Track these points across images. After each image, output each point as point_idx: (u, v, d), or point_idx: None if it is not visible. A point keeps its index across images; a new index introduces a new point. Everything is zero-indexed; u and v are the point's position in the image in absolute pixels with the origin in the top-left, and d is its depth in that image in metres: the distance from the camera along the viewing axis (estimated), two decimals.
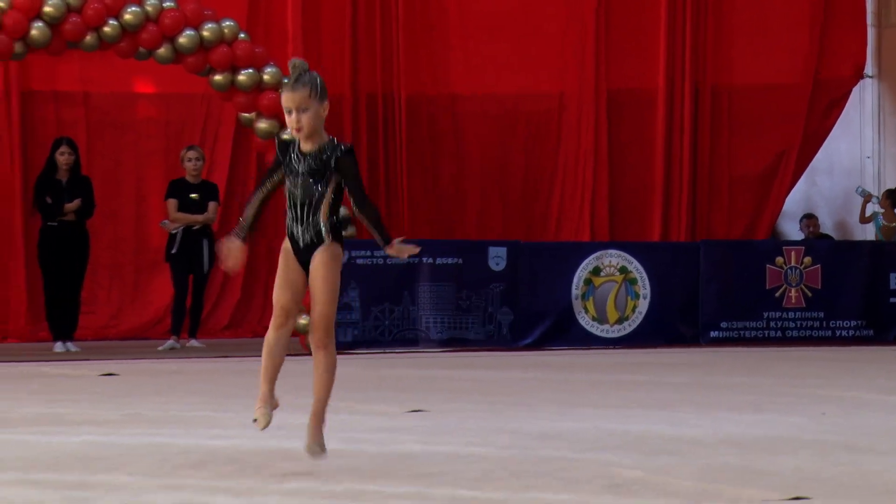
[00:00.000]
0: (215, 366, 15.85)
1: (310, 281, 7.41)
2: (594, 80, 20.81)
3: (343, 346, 17.06)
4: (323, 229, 7.35)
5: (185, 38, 16.94)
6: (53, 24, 16.42)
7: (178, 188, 18.00)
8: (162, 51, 17.02)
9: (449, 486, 7.33)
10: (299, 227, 7.37)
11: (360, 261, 17.35)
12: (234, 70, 17.20)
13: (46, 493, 7.19)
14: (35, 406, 11.55)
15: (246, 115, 17.60)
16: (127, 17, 16.67)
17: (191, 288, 18.07)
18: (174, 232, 17.85)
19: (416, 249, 7.53)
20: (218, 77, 17.25)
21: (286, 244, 7.47)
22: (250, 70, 17.23)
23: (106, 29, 16.63)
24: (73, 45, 16.77)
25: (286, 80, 7.48)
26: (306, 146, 7.40)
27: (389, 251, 7.50)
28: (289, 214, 7.43)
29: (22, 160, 19.08)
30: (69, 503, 6.90)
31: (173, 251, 17.89)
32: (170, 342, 17.91)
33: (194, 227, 17.88)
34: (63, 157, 17.38)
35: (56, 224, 17.27)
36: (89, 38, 16.66)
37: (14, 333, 18.96)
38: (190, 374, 14.68)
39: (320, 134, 7.44)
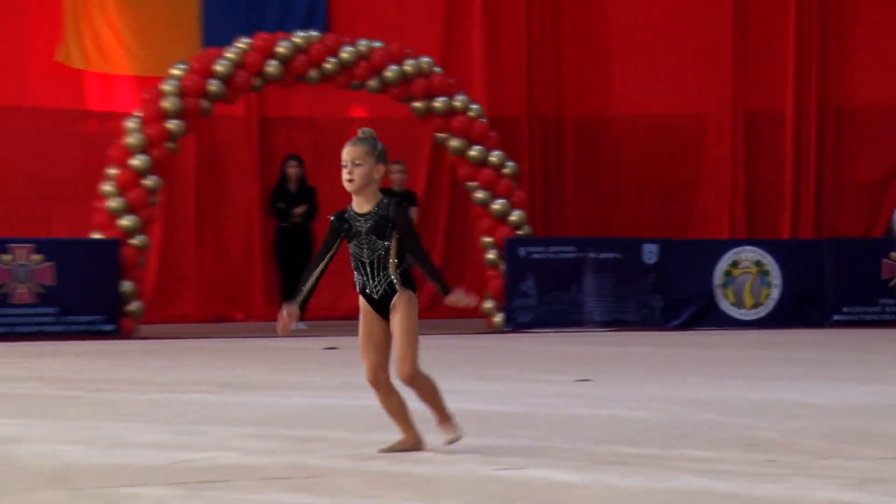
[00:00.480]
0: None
1: (391, 326, 6.94)
2: (731, 103, 20.58)
3: (522, 326, 17.07)
4: (394, 280, 6.87)
5: (390, 72, 17.09)
6: (285, 62, 16.66)
7: (385, 195, 18.03)
8: (372, 83, 17.18)
9: (611, 444, 7.25)
10: (371, 282, 6.94)
11: (535, 255, 17.31)
12: (430, 98, 17.30)
13: (278, 444, 7.24)
14: (270, 374, 11.66)
15: (440, 134, 17.71)
16: (344, 55, 16.88)
17: None
18: None
19: (473, 302, 6.97)
20: (417, 104, 17.37)
21: (363, 302, 7.04)
22: (444, 98, 17.34)
23: (327, 65, 16.84)
24: (300, 78, 16.99)
25: (351, 140, 6.99)
26: (362, 209, 6.93)
27: (449, 300, 6.88)
28: (357, 276, 7.01)
29: (260, 173, 19.28)
30: (297, 454, 6.92)
31: None
32: None
33: None
34: (292, 170, 17.55)
35: (287, 225, 17.43)
36: (313, 73, 16.87)
37: (255, 314, 19.16)
38: None
39: (375, 193, 6.95)
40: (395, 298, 6.86)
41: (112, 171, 16.02)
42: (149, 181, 16.00)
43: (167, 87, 16.24)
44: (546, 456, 6.89)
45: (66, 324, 15.22)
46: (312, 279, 7.33)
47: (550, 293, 17.31)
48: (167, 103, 16.13)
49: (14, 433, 7.71)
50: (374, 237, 6.84)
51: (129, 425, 8.11)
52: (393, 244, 6.87)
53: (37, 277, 15.15)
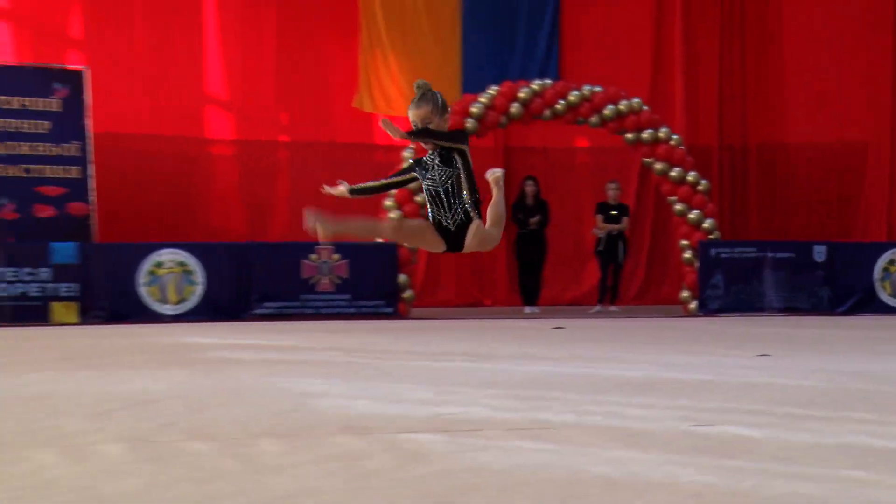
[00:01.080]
0: (627, 324, 15.74)
1: (470, 242, 6.15)
2: (890, 132, 19.97)
3: (712, 311, 16.82)
4: (469, 209, 6.14)
5: (608, 110, 17.07)
6: (525, 104, 16.81)
7: (603, 207, 18.02)
8: (593, 119, 17.19)
9: (786, 407, 7.10)
10: (447, 213, 6.13)
11: (723, 255, 17.05)
12: (639, 130, 17.24)
13: (519, 403, 7.28)
14: (512, 347, 11.72)
15: (647, 160, 17.60)
16: (571, 98, 16.95)
17: (611, 272, 18.06)
18: (601, 236, 17.87)
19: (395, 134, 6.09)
20: (629, 135, 17.31)
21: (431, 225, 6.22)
22: (650, 130, 17.27)
23: (557, 106, 16.94)
24: (536, 116, 17.10)
25: (413, 100, 6.17)
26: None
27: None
28: (431, 209, 6.18)
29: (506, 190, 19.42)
30: (533, 411, 6.95)
31: (600, 248, 17.93)
32: (597, 307, 17.92)
33: (613, 233, 17.85)
34: (529, 188, 17.63)
35: (525, 231, 17.54)
36: (547, 112, 16.97)
37: (499, 300, 19.31)
38: (611, 329, 14.64)
39: None
40: (471, 224, 6.13)
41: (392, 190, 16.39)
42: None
43: None
44: (731, 415, 6.79)
45: (356, 307, 15.58)
46: (375, 187, 6.52)
47: (736, 285, 17.03)
48: None
49: (318, 390, 7.93)
50: (442, 166, 6.06)
51: (404, 385, 8.26)
52: (461, 168, 6.15)
53: (336, 272, 15.56)
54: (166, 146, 17.86)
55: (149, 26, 17.75)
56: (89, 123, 16.00)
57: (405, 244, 6.16)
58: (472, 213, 6.07)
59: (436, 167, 6.00)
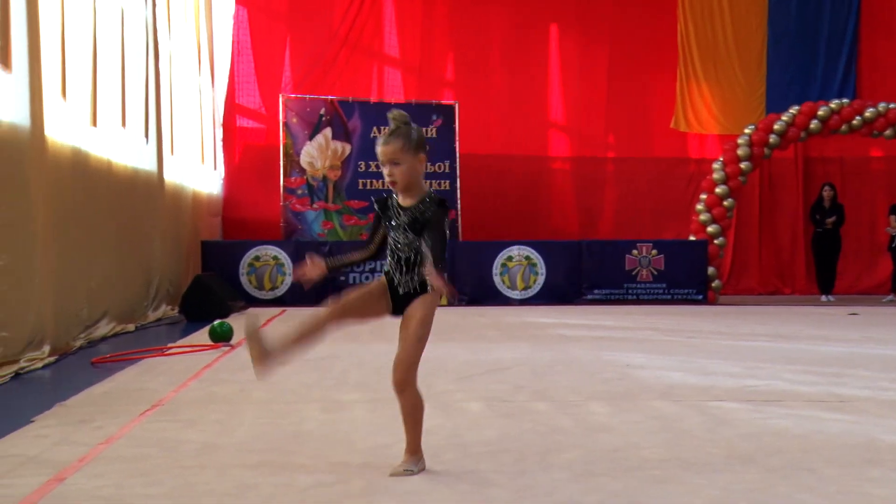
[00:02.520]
0: None
1: (404, 321, 4.21)
2: None
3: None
4: (426, 282, 4.18)
5: None
6: (823, 121, 16.07)
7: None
8: (887, 132, 16.17)
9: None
10: (400, 276, 4.21)
11: None
12: None
13: (817, 378, 6.92)
14: (809, 330, 11.10)
15: None
16: (867, 114, 16.11)
17: None
18: (894, 234, 16.69)
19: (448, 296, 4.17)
20: None
21: (384, 280, 4.27)
22: None
23: (854, 122, 16.08)
24: (833, 131, 16.40)
25: (384, 134, 4.26)
26: (405, 201, 4.23)
27: (434, 291, 4.16)
28: (390, 260, 4.27)
29: (803, 195, 18.56)
30: (831, 385, 6.59)
31: (893, 245, 16.73)
32: (889, 297, 16.76)
33: None
34: (826, 193, 16.72)
35: (821, 230, 16.68)
36: (844, 127, 16.25)
37: (797, 289, 18.46)
38: None
39: (419, 187, 4.24)
40: (425, 295, 4.22)
41: (703, 196, 16.13)
42: (727, 203, 15.96)
43: (741, 141, 16.16)
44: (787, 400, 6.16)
45: (671, 294, 15.29)
46: (353, 259, 4.34)
47: None
48: (741, 151, 16.02)
49: (639, 362, 7.87)
50: (411, 234, 4.19)
51: (713, 361, 8.04)
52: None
53: (653, 265, 15.35)
54: (516, 163, 18.27)
55: (504, 69, 18.21)
56: (458, 146, 16.65)
57: (352, 321, 4.21)
58: (427, 285, 4.20)
59: (403, 229, 4.21)
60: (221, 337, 8.98)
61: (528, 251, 15.31)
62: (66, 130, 8.84)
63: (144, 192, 11.71)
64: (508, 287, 15.24)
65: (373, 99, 17.06)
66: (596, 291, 15.23)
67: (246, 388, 6.29)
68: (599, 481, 3.98)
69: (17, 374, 7.04)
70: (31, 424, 5.16)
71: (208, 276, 13.07)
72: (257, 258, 14.53)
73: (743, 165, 16.01)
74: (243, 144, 17.12)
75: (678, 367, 7.64)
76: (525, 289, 15.24)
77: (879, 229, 17.87)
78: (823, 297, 16.60)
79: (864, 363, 7.89)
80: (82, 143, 9.39)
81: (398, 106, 16.69)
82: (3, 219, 7.25)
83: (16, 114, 7.59)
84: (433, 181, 16.62)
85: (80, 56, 9.39)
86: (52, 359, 7.78)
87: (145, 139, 11.85)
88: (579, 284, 15.21)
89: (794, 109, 16.26)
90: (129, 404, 5.76)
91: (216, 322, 9.25)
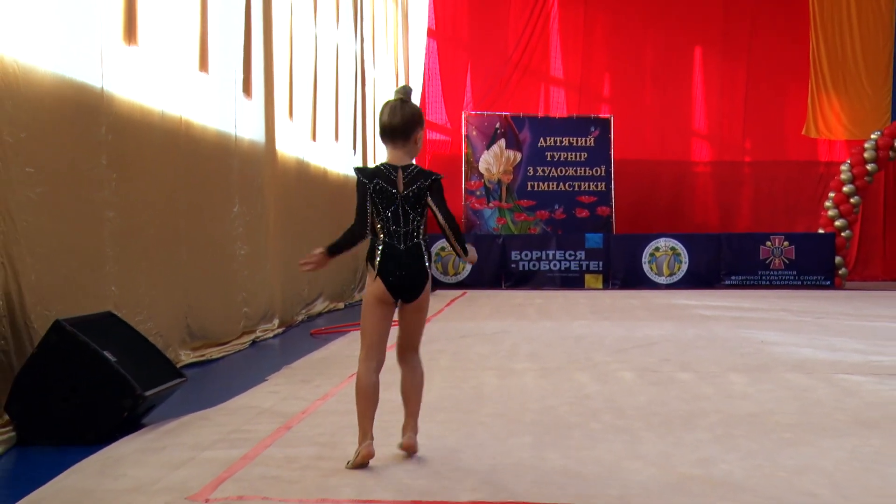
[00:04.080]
0: None
1: (413, 310, 3.55)
2: None
3: None
4: (425, 257, 3.50)
5: None
6: None
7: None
8: None
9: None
10: (398, 242, 3.46)
11: None
12: None
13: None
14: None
15: None
16: None
17: None
18: None
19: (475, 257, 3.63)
20: None
21: (377, 289, 3.48)
22: None
23: None
24: None
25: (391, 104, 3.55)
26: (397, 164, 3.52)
27: (468, 258, 3.62)
28: (382, 236, 3.48)
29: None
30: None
31: None
32: None
33: None
34: None
35: None
36: None
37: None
38: None
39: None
40: (426, 286, 3.55)
41: (831, 194, 15.29)
42: (853, 200, 15.07)
43: (867, 145, 15.22)
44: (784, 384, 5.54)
45: (801, 280, 14.56)
46: (345, 239, 3.50)
47: None
48: (867, 154, 15.10)
49: (773, 339, 7.55)
50: (406, 207, 3.49)
51: (841, 338, 7.62)
52: (424, 217, 3.55)
53: (785, 254, 14.67)
54: (663, 167, 17.85)
55: (653, 83, 17.83)
56: (612, 153, 16.42)
57: (383, 348, 3.50)
58: (427, 269, 3.53)
59: (398, 203, 3.49)
60: None
61: (673, 243, 14.95)
62: (292, 144, 9.20)
63: (353, 194, 12.01)
64: (656, 273, 14.91)
65: (540, 114, 17.10)
66: (733, 277, 14.72)
67: (434, 357, 6.39)
68: (738, 442, 3.84)
69: (253, 342, 7.38)
70: (265, 383, 5.40)
71: None
72: (443, 249, 14.78)
73: (869, 167, 15.13)
74: (432, 154, 17.45)
75: (808, 343, 7.28)
76: (670, 275, 14.88)
77: None
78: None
79: None
80: (304, 155, 9.75)
81: (561, 120, 16.60)
82: (245, 216, 7.62)
83: (254, 132, 7.96)
84: (591, 183, 16.50)
85: (303, 83, 9.75)
86: (280, 330, 8.11)
87: (353, 151, 12.19)
88: (718, 272, 14.73)
89: None
90: (342, 368, 5.94)
91: None
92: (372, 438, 3.45)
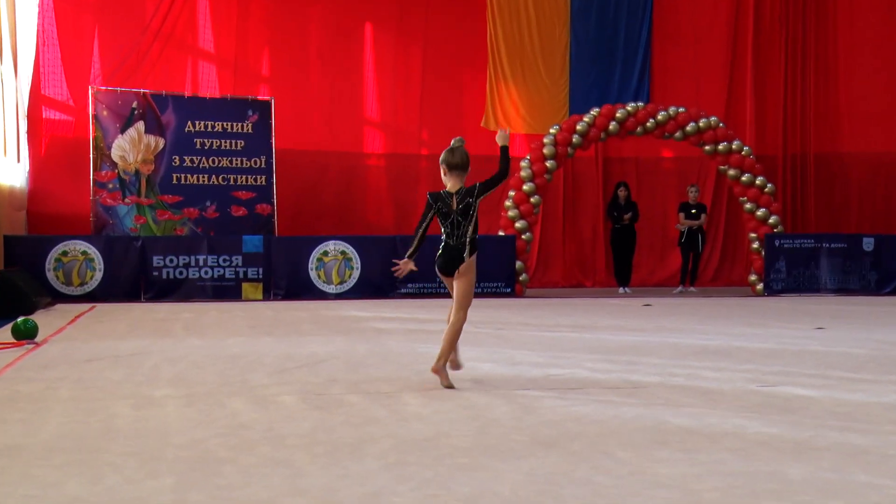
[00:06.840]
0: (704, 302, 15.43)
1: (455, 279, 6.20)
2: None
3: (776, 292, 16.39)
4: (468, 247, 6.15)
5: (690, 127, 16.77)
6: (620, 122, 16.61)
7: (685, 207, 17.60)
8: (677, 134, 16.88)
9: (838, 371, 6.88)
10: (452, 241, 6.15)
11: (786, 245, 16.56)
12: (716, 143, 16.86)
13: (612, 366, 7.20)
14: (608, 320, 11.53)
15: (722, 167, 17.18)
16: (659, 117, 16.70)
17: (691, 259, 17.69)
18: (682, 230, 17.52)
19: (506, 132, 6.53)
20: (707, 147, 16.97)
21: (438, 269, 6.26)
22: (725, 143, 16.86)
23: (647, 124, 16.67)
24: (630, 133, 16.87)
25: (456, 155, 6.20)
26: (452, 191, 6.16)
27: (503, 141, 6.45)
28: (444, 233, 6.19)
29: (602, 192, 19.24)
30: (625, 373, 6.88)
31: (682, 241, 17.57)
32: (679, 288, 17.60)
33: (693, 228, 17.48)
34: (622, 192, 17.36)
35: (619, 226, 17.30)
36: (639, 129, 16.75)
37: (598, 282, 19.11)
38: (690, 306, 14.37)
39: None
40: (466, 259, 6.16)
41: (511, 193, 16.38)
42: (533, 199, 16.30)
43: (546, 140, 16.51)
44: (792, 377, 6.61)
45: (481, 287, 15.50)
46: (417, 242, 6.28)
47: (796, 270, 16.53)
48: (546, 150, 16.38)
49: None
50: (459, 217, 6.15)
51: (520, 351, 8.23)
52: (473, 220, 6.19)
53: None
54: (332, 159, 18.16)
55: (320, 64, 18.07)
56: (274, 142, 16.40)
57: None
58: (468, 252, 6.18)
59: (453, 215, 6.12)
60: (25, 334, 8.55)
61: (343, 246, 15.26)
62: None
63: None
64: (324, 281, 15.15)
65: (187, 93, 16.61)
66: (409, 286, 15.33)
67: (52, 385, 6.01)
68: (410, 470, 4.01)
69: None
70: None
71: (12, 271, 12.42)
72: (65, 253, 13.91)
73: (548, 164, 16.36)
74: (50, 136, 16.32)
75: (488, 357, 7.78)
76: (341, 283, 15.19)
77: (670, 226, 18.73)
78: (621, 290, 17.25)
79: (657, 351, 8.25)
80: None
81: (213, 101, 16.30)
82: None
83: None
84: (249, 176, 16.37)
85: None
86: None
87: None
88: (393, 279, 15.22)
89: (594, 111, 16.77)
90: None
91: (20, 319, 8.79)
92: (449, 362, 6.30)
